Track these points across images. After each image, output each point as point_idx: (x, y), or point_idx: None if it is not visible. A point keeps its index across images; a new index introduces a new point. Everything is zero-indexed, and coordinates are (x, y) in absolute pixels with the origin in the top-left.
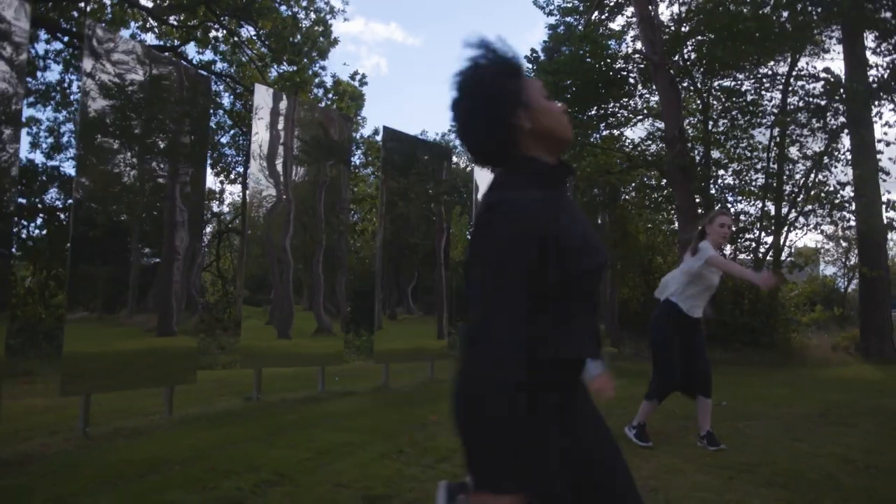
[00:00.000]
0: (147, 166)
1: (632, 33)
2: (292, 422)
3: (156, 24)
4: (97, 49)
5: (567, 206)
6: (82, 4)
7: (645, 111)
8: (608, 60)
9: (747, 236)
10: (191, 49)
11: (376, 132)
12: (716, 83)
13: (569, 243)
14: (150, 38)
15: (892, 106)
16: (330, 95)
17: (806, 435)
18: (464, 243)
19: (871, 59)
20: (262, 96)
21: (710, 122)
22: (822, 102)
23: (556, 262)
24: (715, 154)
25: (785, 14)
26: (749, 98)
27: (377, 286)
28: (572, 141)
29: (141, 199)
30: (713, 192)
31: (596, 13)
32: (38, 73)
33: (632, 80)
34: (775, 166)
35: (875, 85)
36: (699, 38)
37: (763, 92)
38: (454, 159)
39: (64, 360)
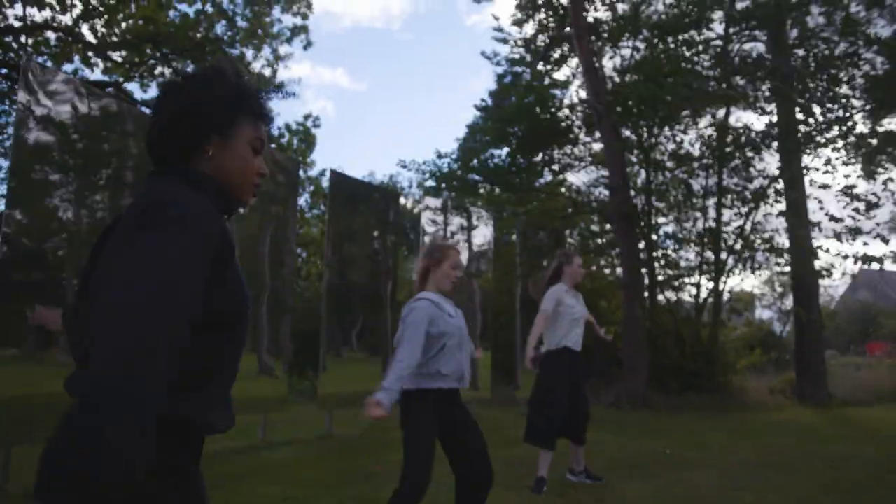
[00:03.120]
0: (87, 201)
1: (577, 83)
2: (233, 473)
3: (100, 59)
4: (33, 82)
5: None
6: (23, 38)
7: (589, 157)
8: (553, 109)
9: (687, 281)
10: (135, 86)
11: (322, 174)
12: (652, 134)
13: (234, 276)
14: (96, 74)
15: (816, 157)
16: (283, 140)
17: (749, 483)
18: (410, 285)
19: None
20: None
21: (651, 172)
22: (751, 155)
23: (222, 293)
24: (656, 203)
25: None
26: (682, 151)
27: (322, 328)
28: (245, 206)
29: (79, 234)
30: (655, 238)
31: (542, 63)
32: None
33: (576, 129)
34: (713, 214)
35: (801, 137)
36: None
37: (696, 143)
38: (402, 201)
39: None
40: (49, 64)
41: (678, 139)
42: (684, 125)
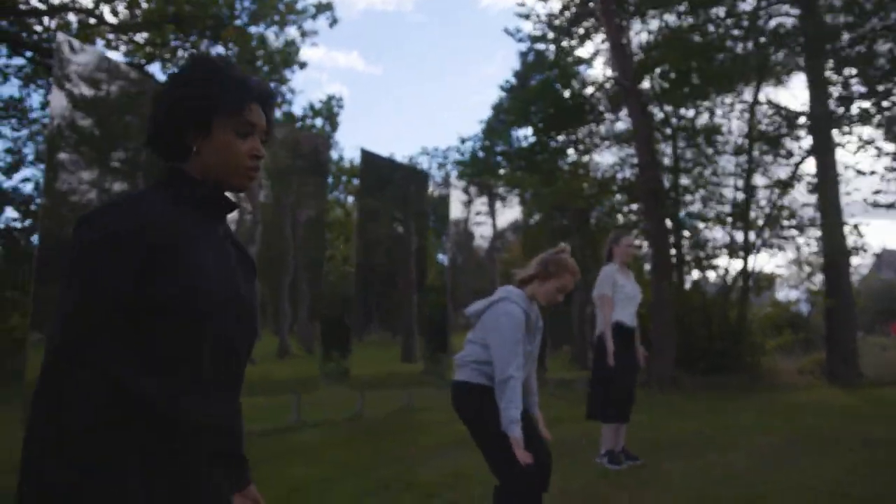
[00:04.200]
0: (112, 183)
1: (601, 59)
2: (266, 455)
3: (124, 40)
4: (67, 63)
5: (213, 239)
6: (46, 19)
7: (613, 137)
8: (577, 87)
9: (715, 262)
10: (156, 68)
11: (341, 159)
12: (681, 111)
13: (190, 265)
14: (116, 56)
15: (851, 134)
16: (307, 120)
17: (787, 465)
18: (436, 267)
19: (831, 89)
20: None
21: (678, 149)
22: (783, 131)
23: (166, 281)
24: (683, 181)
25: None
26: (712, 126)
27: (354, 307)
28: (242, 191)
29: None
30: (682, 217)
31: (566, 39)
32: None
33: (601, 107)
34: (742, 193)
35: (834, 113)
36: (666, 66)
37: (726, 120)
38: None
39: (27, 388)
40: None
41: (707, 115)
42: (713, 101)
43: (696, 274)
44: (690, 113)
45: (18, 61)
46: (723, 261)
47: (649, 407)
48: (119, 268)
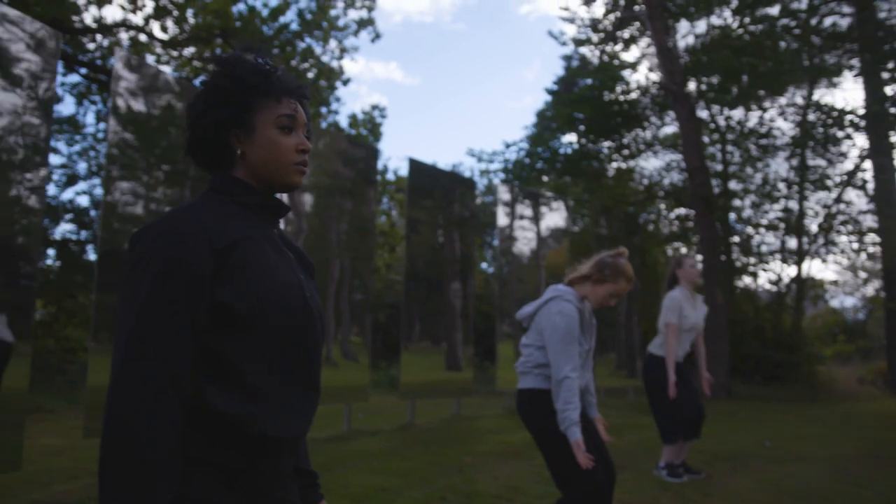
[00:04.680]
0: (169, 195)
1: (646, 64)
2: (322, 464)
3: (172, 56)
4: (125, 78)
5: (273, 243)
6: (99, 37)
7: (659, 141)
8: (622, 92)
9: (766, 268)
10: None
11: (386, 168)
12: (729, 113)
13: (257, 274)
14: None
15: None
16: (350, 130)
17: (863, 479)
18: (481, 275)
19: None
20: None
21: (727, 153)
22: (837, 133)
23: (234, 291)
24: (733, 185)
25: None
26: (763, 130)
27: (402, 316)
28: (295, 188)
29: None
30: (732, 222)
31: (610, 44)
32: (53, 107)
33: (647, 112)
34: (795, 197)
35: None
36: (714, 68)
37: (778, 122)
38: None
39: (88, 396)
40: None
41: (757, 118)
42: (764, 104)
43: (746, 281)
44: (740, 116)
45: (73, 79)
46: (775, 267)
47: (708, 417)
48: (182, 281)
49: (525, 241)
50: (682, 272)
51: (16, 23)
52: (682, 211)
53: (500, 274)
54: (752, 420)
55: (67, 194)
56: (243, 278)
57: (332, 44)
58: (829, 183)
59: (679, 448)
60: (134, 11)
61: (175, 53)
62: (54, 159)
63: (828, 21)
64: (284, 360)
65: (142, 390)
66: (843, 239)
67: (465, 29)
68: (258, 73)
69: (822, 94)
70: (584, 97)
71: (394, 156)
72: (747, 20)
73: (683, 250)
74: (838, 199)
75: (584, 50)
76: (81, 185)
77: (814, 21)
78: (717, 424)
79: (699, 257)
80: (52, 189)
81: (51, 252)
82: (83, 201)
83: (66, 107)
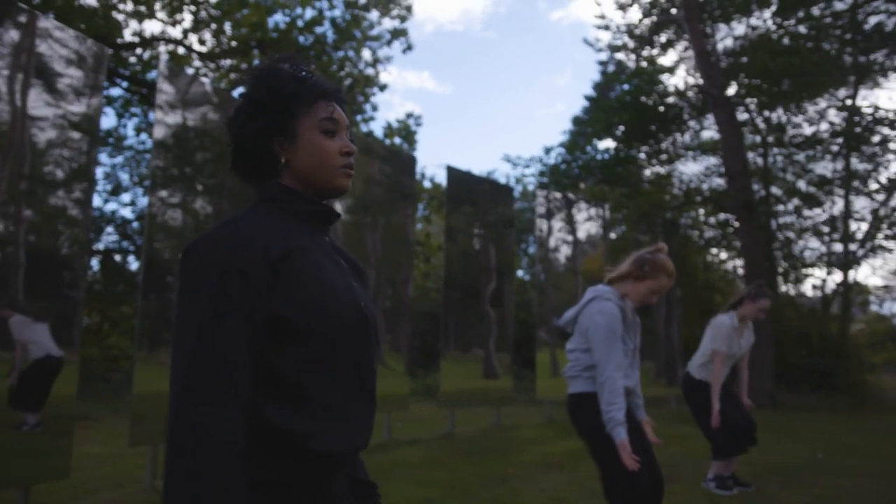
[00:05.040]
0: (215, 206)
1: (683, 67)
2: None
3: (210, 68)
4: (167, 90)
5: (326, 251)
6: (139, 50)
7: (698, 146)
8: (660, 96)
9: (811, 273)
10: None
11: (423, 176)
12: (771, 115)
13: (312, 284)
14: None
15: None
16: (387, 141)
17: None
18: (519, 282)
19: None
20: None
21: (769, 157)
22: (885, 134)
23: (289, 303)
24: (775, 190)
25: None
26: (806, 132)
27: (442, 324)
28: (343, 191)
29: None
30: (774, 228)
31: (647, 48)
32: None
33: (685, 116)
34: (839, 201)
35: None
36: (754, 71)
37: (821, 124)
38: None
39: (134, 404)
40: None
41: (800, 121)
42: (807, 105)
43: (790, 287)
44: (782, 118)
45: (114, 92)
46: (820, 273)
47: None
48: (241, 295)
49: (562, 247)
50: (751, 306)
51: (62, 39)
52: (722, 216)
53: (537, 281)
54: (801, 430)
55: (111, 205)
56: (299, 289)
57: (366, 53)
58: (875, 186)
59: (728, 460)
60: (173, 25)
61: (213, 65)
62: (98, 171)
63: (873, 20)
64: (343, 371)
65: (208, 417)
66: (892, 243)
67: (496, 37)
68: (294, 80)
69: (867, 95)
70: (621, 103)
71: (428, 163)
72: (789, 21)
73: (723, 255)
74: (885, 203)
75: (619, 55)
76: (124, 197)
77: (858, 19)
78: (764, 435)
79: (739, 263)
80: (95, 200)
81: (94, 262)
82: (126, 212)
83: (108, 120)
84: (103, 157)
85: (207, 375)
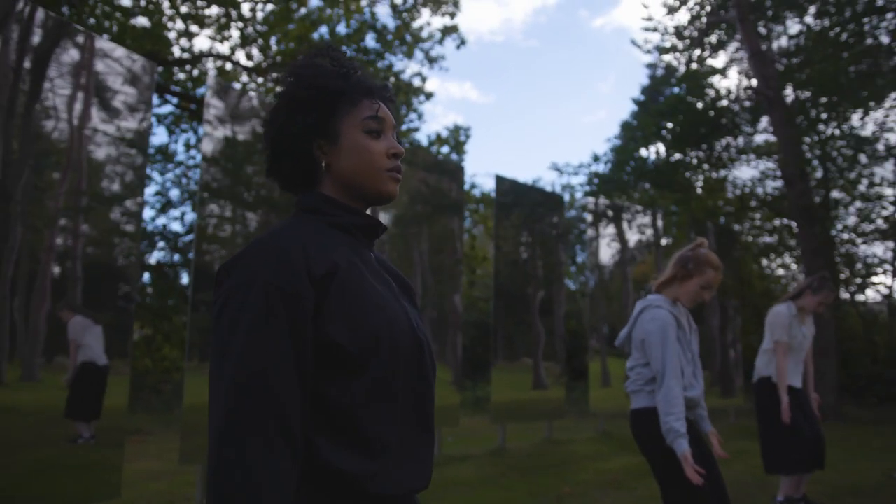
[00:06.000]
0: (261, 219)
1: (736, 69)
2: None
3: (258, 82)
4: (216, 105)
5: (372, 268)
6: (188, 67)
7: (753, 149)
8: (712, 99)
9: (875, 279)
10: None
11: (473, 185)
12: (829, 117)
13: (359, 306)
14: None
15: None
16: (433, 149)
17: None
18: (569, 291)
19: None
20: None
21: (828, 160)
22: None
23: (338, 328)
24: (835, 194)
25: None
26: (868, 134)
27: (492, 335)
28: (391, 198)
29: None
30: (834, 233)
31: (698, 50)
32: (149, 137)
33: (739, 119)
34: None
35: None
36: (811, 71)
37: (883, 125)
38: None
39: (185, 415)
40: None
41: (861, 121)
42: (868, 105)
43: (854, 295)
44: (842, 120)
45: (165, 108)
46: (884, 279)
47: None
48: (287, 316)
49: (611, 255)
50: (811, 298)
51: (117, 58)
52: (779, 221)
53: (587, 289)
54: (870, 446)
55: (161, 220)
56: (347, 311)
57: (419, 55)
58: None
59: (798, 480)
60: (221, 41)
61: (260, 80)
62: (150, 186)
63: None
64: (402, 403)
65: (255, 457)
66: None
67: (538, 45)
68: (336, 76)
69: None
70: (671, 106)
71: (475, 172)
72: (844, 17)
73: (780, 262)
74: None
75: (668, 57)
76: (174, 212)
77: None
78: (831, 451)
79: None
80: (147, 214)
81: (146, 276)
82: (176, 226)
83: (159, 137)
84: (154, 174)
85: (253, 408)
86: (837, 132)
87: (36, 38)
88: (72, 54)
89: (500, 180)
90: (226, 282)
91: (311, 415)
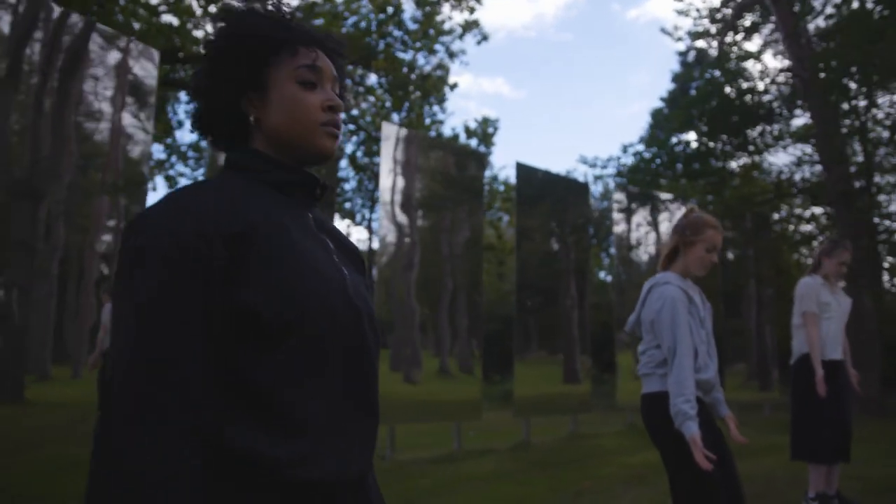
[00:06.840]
0: None
1: (770, 52)
2: (428, 488)
3: None
4: None
5: (307, 228)
6: None
7: (789, 135)
8: (746, 84)
9: None
10: None
11: (494, 178)
12: (869, 99)
13: (286, 274)
14: None
15: None
16: (460, 141)
17: None
18: (599, 283)
19: None
20: (390, 133)
21: (869, 144)
22: None
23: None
24: (877, 179)
25: None
26: None
27: (515, 327)
28: (328, 155)
29: None
30: (877, 220)
31: (730, 33)
32: (178, 134)
33: (774, 103)
34: None
35: None
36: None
37: None
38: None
39: None
40: None
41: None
42: None
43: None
44: (882, 101)
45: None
46: None
47: (859, 436)
48: (191, 280)
49: (643, 246)
50: (831, 262)
51: (151, 58)
52: (817, 209)
53: (618, 282)
54: None
55: None
56: (266, 275)
57: (440, 49)
58: None
59: (828, 475)
60: None
61: None
62: (179, 181)
63: None
64: (331, 378)
65: (146, 440)
66: None
67: (571, 39)
68: (269, 22)
69: None
70: (704, 93)
71: (507, 165)
72: None
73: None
74: None
75: (701, 43)
76: None
77: None
78: (871, 446)
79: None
80: None
81: None
82: None
83: (192, 135)
84: (185, 170)
85: (148, 381)
86: (881, 115)
87: (66, 39)
88: (108, 55)
89: (520, 168)
90: (127, 241)
91: (223, 394)
